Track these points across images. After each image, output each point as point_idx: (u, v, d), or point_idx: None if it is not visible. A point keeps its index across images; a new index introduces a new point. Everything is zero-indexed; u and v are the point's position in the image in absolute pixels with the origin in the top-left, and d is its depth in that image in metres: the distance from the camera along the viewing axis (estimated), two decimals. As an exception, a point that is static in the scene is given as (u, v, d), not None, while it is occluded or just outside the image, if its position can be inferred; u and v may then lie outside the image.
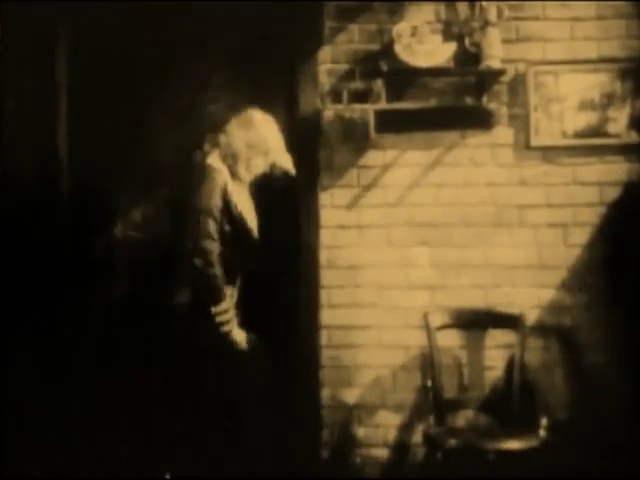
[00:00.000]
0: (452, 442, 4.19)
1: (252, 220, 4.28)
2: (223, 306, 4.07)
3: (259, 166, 4.25)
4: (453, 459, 4.20)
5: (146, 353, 4.65)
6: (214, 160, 4.18)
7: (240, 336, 4.15)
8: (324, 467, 4.73)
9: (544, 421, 4.25)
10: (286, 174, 4.34)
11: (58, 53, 4.81)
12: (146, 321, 4.67)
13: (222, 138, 4.22)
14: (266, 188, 4.43)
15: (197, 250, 4.02)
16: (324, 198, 4.75)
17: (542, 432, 4.23)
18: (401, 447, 4.72)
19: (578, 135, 4.69)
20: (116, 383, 4.85)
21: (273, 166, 4.28)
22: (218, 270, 4.03)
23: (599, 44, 4.69)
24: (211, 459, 4.24)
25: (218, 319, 4.06)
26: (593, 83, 4.68)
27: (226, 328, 4.09)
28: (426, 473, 4.51)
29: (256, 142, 4.19)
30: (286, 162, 4.31)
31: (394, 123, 4.67)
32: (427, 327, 4.54)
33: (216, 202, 4.08)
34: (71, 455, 4.73)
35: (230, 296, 4.16)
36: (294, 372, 4.74)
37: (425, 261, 4.72)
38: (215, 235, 4.05)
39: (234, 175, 4.20)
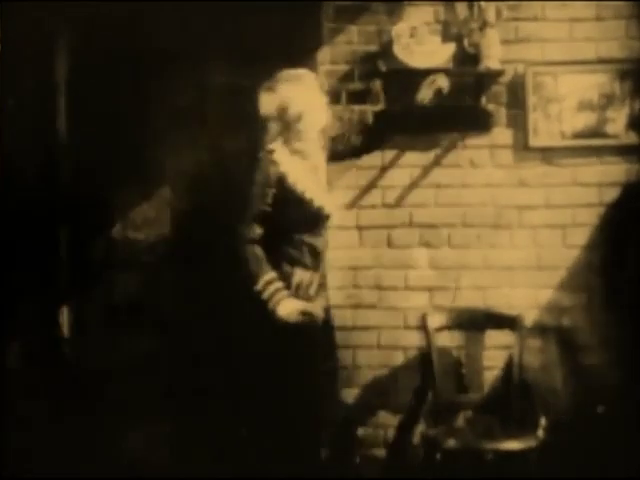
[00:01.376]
0: (451, 443, 4.19)
1: (317, 197, 4.11)
2: (261, 283, 4.04)
3: (302, 131, 4.08)
4: (452, 459, 4.20)
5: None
6: (272, 147, 4.12)
7: (287, 313, 4.03)
8: (324, 467, 4.73)
9: (543, 421, 4.25)
10: None
11: (58, 53, 4.80)
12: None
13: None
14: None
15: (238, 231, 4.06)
16: (323, 198, 4.75)
17: (541, 432, 4.23)
18: (401, 447, 4.73)
19: (577, 136, 4.69)
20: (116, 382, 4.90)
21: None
22: (252, 252, 4.03)
23: (598, 45, 4.68)
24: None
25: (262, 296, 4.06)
26: (592, 84, 4.68)
27: (270, 304, 4.04)
28: (425, 474, 4.51)
29: (285, 106, 4.04)
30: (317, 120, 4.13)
31: (393, 124, 4.67)
32: (426, 328, 4.55)
33: (265, 188, 4.04)
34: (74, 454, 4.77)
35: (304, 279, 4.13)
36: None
37: (424, 262, 4.73)
38: (257, 217, 4.04)
39: (295, 152, 4.11)
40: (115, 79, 4.85)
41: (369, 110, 4.66)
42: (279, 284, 4.03)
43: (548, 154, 4.72)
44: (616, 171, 4.70)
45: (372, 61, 4.66)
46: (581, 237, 4.71)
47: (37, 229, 4.78)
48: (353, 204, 4.75)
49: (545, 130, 4.69)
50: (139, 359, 4.88)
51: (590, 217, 4.71)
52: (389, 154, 4.72)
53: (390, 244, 4.74)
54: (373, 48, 4.70)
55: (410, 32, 4.55)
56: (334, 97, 4.69)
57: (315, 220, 4.10)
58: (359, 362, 4.75)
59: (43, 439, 4.71)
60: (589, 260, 4.71)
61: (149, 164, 4.89)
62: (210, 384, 4.80)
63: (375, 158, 4.70)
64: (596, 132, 4.69)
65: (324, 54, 4.72)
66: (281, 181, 4.02)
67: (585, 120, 4.69)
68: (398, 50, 4.55)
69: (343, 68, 4.72)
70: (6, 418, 4.60)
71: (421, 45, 4.54)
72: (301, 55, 4.68)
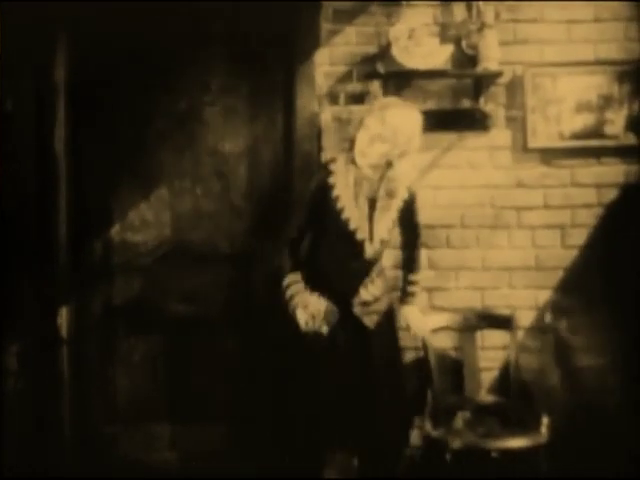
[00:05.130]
0: (456, 443, 4.19)
1: (355, 217, 4.12)
2: (286, 281, 4.12)
3: (375, 155, 4.02)
4: (455, 460, 4.20)
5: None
6: (333, 157, 4.18)
7: (304, 319, 4.12)
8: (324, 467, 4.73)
9: (545, 420, 4.24)
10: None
11: (58, 54, 4.79)
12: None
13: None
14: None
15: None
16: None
17: (544, 430, 4.22)
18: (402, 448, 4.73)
19: (575, 137, 4.69)
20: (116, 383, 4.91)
21: (389, 164, 4.07)
22: (288, 245, 4.16)
23: (596, 46, 4.69)
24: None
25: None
26: (590, 85, 4.68)
27: (291, 304, 4.12)
28: (428, 474, 4.51)
29: (379, 130, 3.98)
30: (404, 168, 4.12)
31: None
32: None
33: (312, 196, 4.13)
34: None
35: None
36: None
37: (423, 262, 4.71)
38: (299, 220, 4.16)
39: (351, 162, 4.10)
40: (115, 79, 4.84)
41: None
42: (300, 286, 4.10)
43: (547, 155, 4.72)
44: (615, 172, 4.71)
45: (370, 62, 4.66)
46: (580, 238, 4.72)
47: (36, 230, 4.77)
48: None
49: (544, 131, 4.69)
50: (139, 359, 4.90)
51: (589, 218, 4.71)
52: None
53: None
54: (371, 49, 4.69)
55: (408, 34, 4.55)
56: (332, 98, 4.71)
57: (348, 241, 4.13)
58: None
59: (43, 439, 4.71)
60: (588, 261, 4.71)
61: (148, 165, 4.89)
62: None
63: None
64: (595, 133, 4.69)
65: (322, 55, 4.71)
66: (326, 190, 4.08)
67: (584, 121, 4.69)
68: (396, 51, 4.56)
69: (341, 69, 4.71)
70: (6, 418, 4.61)
71: (419, 46, 4.54)
72: (300, 56, 4.70)
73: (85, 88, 4.84)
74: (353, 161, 4.07)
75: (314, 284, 4.12)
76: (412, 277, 4.32)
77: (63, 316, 4.80)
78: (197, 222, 4.88)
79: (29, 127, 4.79)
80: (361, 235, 4.09)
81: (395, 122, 3.95)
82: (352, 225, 4.08)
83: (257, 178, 4.86)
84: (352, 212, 4.07)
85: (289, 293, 4.12)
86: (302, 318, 4.09)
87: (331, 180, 4.08)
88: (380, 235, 4.13)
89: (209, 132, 4.87)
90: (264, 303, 4.82)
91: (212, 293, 4.86)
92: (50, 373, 4.77)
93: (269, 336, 4.79)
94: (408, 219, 4.23)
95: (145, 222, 4.88)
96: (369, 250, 4.12)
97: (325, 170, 4.12)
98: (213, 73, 4.85)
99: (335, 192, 4.07)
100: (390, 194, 4.10)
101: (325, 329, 4.09)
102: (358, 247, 4.11)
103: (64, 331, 4.79)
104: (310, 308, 4.09)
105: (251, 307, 4.86)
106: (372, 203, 4.11)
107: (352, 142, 4.08)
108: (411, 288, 4.31)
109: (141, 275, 4.88)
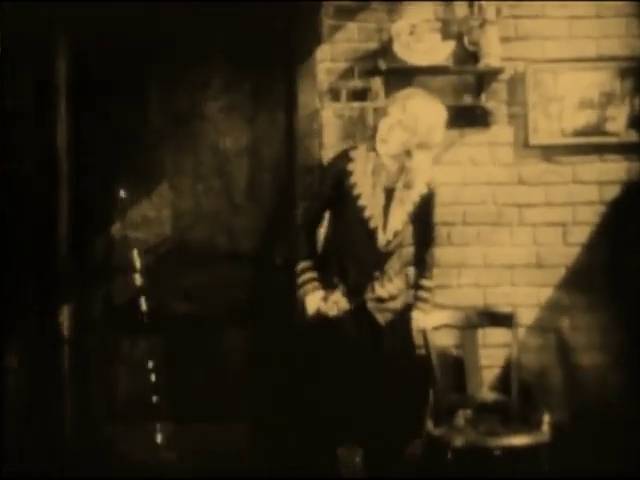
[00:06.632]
0: (458, 441, 4.17)
1: (371, 205, 4.12)
2: (299, 268, 4.15)
3: (394, 142, 4.01)
4: (457, 458, 4.18)
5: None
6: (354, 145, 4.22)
7: (312, 306, 4.14)
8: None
9: (547, 418, 4.23)
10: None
11: (58, 54, 4.80)
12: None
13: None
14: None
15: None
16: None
17: (546, 428, 4.21)
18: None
19: (577, 134, 4.69)
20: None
21: (408, 153, 4.04)
22: (303, 231, 4.21)
23: (598, 42, 4.69)
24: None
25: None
26: (592, 82, 4.68)
27: (301, 291, 4.15)
28: (429, 472, 4.50)
29: (400, 117, 3.99)
30: (423, 160, 4.10)
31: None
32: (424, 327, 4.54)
33: (329, 182, 4.15)
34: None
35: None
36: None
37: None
38: (316, 206, 4.22)
39: (372, 150, 4.10)
40: (115, 79, 4.85)
41: (369, 108, 4.66)
42: (311, 274, 4.12)
43: (548, 152, 4.71)
44: (616, 169, 4.71)
45: (372, 59, 4.67)
46: (581, 235, 4.71)
47: (37, 229, 4.77)
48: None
49: (545, 128, 4.69)
50: (139, 358, 4.89)
51: (590, 215, 4.71)
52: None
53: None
54: (373, 46, 4.70)
55: (410, 30, 4.55)
56: (334, 95, 4.70)
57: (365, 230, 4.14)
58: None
59: (43, 438, 4.70)
60: (589, 258, 4.70)
61: (149, 164, 4.89)
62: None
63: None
64: (596, 130, 4.69)
65: (324, 52, 4.71)
66: (344, 177, 4.09)
67: (585, 118, 4.69)
68: (398, 48, 4.56)
69: (343, 66, 4.71)
70: (6, 417, 4.60)
71: (421, 43, 4.54)
72: (301, 53, 4.70)
73: (85, 88, 4.84)
74: (374, 149, 4.08)
75: (328, 273, 4.14)
76: (423, 282, 4.32)
77: (64, 315, 4.79)
78: (198, 220, 4.88)
79: (29, 127, 4.78)
80: (374, 223, 4.10)
81: (416, 111, 3.96)
82: (367, 213, 4.09)
83: (258, 175, 4.86)
84: (368, 200, 4.08)
85: (300, 280, 4.14)
86: (311, 305, 4.11)
87: (350, 167, 4.09)
88: (394, 226, 4.13)
89: (210, 129, 4.87)
90: (266, 301, 4.82)
91: (213, 291, 4.85)
92: (51, 372, 4.76)
93: (270, 335, 4.79)
94: (423, 216, 4.23)
95: (146, 220, 4.88)
96: (381, 239, 4.12)
97: (345, 156, 4.13)
98: (214, 70, 4.86)
99: (353, 179, 4.08)
100: (407, 185, 4.11)
101: (333, 314, 4.11)
102: (372, 236, 4.12)
103: (65, 330, 4.79)
104: (318, 295, 4.11)
105: (252, 306, 4.86)
106: (389, 193, 4.11)
107: (374, 130, 4.11)
108: (421, 293, 4.32)
109: (142, 274, 4.88)
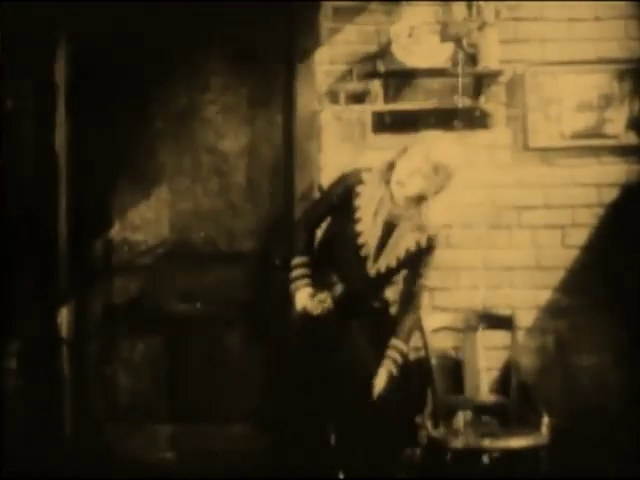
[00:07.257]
0: (457, 443, 4.18)
1: (366, 233, 4.03)
2: (293, 263, 4.13)
3: (412, 188, 3.91)
4: (455, 460, 4.19)
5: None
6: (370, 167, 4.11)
7: (300, 302, 4.09)
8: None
9: (546, 420, 4.24)
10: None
11: (57, 54, 4.80)
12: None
13: None
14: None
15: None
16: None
17: (545, 430, 4.21)
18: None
19: (576, 136, 4.68)
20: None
21: (422, 198, 3.96)
22: (302, 227, 4.21)
23: (597, 45, 4.68)
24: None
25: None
26: (591, 84, 4.67)
27: (292, 286, 4.12)
28: (428, 474, 4.50)
29: (421, 164, 3.87)
30: (435, 210, 4.03)
31: (391, 124, 4.67)
32: (423, 329, 4.54)
33: (337, 191, 4.10)
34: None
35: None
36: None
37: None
38: (319, 208, 4.20)
39: (385, 182, 4.00)
40: (115, 79, 4.85)
41: (367, 110, 4.66)
42: (304, 270, 4.09)
43: (547, 154, 4.71)
44: (615, 172, 4.70)
45: (371, 61, 4.66)
46: (580, 238, 4.71)
47: (36, 229, 4.77)
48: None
49: (544, 130, 4.68)
50: (139, 359, 4.90)
51: (589, 218, 4.71)
52: (387, 154, 4.70)
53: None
54: (372, 48, 4.69)
55: (409, 32, 4.55)
56: (333, 97, 4.71)
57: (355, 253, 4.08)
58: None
59: (43, 439, 4.71)
60: (588, 261, 4.70)
61: (148, 164, 4.89)
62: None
63: (374, 159, 4.69)
64: (595, 132, 4.68)
65: (322, 54, 4.71)
66: (350, 196, 4.02)
67: (584, 120, 4.68)
68: (397, 50, 4.55)
69: (342, 68, 4.71)
70: (6, 418, 4.61)
71: (420, 45, 4.53)
72: (300, 55, 4.70)
73: (85, 88, 4.84)
74: (387, 182, 3.97)
75: (319, 272, 4.11)
76: (395, 342, 4.10)
77: (63, 316, 4.80)
78: (197, 221, 4.88)
79: (29, 127, 4.78)
80: (366, 252, 4.02)
81: (438, 159, 3.85)
82: (361, 239, 4.01)
83: (257, 177, 4.86)
84: (366, 227, 3.99)
85: (292, 275, 4.11)
86: (299, 301, 4.07)
87: (359, 188, 4.00)
88: (388, 260, 4.04)
89: (209, 131, 4.87)
90: (265, 302, 4.83)
91: (212, 292, 4.85)
92: (50, 373, 4.77)
93: (270, 335, 4.79)
94: (414, 264, 4.12)
95: (145, 221, 4.88)
96: (371, 269, 4.04)
97: (357, 176, 4.04)
98: (213, 72, 4.85)
99: (358, 201, 4.00)
100: (415, 228, 4.02)
101: (321, 310, 4.07)
102: (362, 263, 4.04)
103: (64, 331, 4.79)
104: (306, 292, 4.07)
105: (251, 306, 4.86)
106: (388, 227, 4.02)
107: (391, 166, 3.97)
108: (390, 352, 4.10)
109: (141, 274, 4.88)
